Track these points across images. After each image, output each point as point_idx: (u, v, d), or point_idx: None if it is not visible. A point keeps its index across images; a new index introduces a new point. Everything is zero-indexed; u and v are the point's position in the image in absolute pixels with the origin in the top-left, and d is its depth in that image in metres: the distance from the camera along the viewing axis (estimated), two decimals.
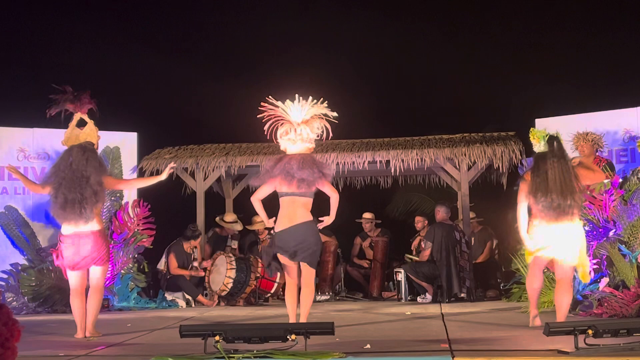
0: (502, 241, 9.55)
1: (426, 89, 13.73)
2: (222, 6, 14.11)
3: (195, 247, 9.38)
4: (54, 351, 4.86)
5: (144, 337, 5.67)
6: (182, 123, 12.61)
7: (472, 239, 9.51)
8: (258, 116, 5.92)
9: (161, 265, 9.28)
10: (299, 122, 5.87)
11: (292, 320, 5.72)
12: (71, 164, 5.77)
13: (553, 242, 5.58)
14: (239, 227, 9.87)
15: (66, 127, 6.18)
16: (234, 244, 9.82)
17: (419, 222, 9.94)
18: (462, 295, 8.59)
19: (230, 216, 9.96)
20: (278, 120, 5.92)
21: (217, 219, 9.89)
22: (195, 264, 9.21)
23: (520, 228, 5.74)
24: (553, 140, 5.68)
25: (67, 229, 5.76)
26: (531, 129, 5.83)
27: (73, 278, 5.80)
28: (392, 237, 10.24)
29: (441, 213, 9.05)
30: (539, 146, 5.70)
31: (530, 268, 5.85)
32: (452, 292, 8.55)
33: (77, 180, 5.70)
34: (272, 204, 6.06)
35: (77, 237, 5.71)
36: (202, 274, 9.04)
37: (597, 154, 7.94)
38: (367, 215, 10.39)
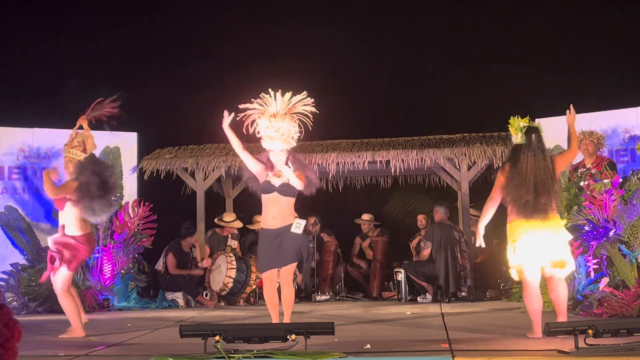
0: (502, 241, 9.53)
1: (426, 88, 13.71)
2: (219, 6, 14.11)
3: (194, 245, 9.36)
4: (54, 351, 4.86)
5: (144, 337, 5.67)
6: (182, 123, 12.60)
7: (472, 237, 9.51)
8: (237, 118, 5.81)
9: (159, 265, 9.27)
10: (277, 115, 5.70)
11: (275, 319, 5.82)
12: (95, 169, 6.04)
13: (534, 248, 5.17)
14: (238, 224, 9.86)
15: (67, 127, 6.30)
16: (234, 244, 9.81)
17: (422, 220, 9.96)
18: (463, 294, 8.60)
19: (229, 216, 9.95)
20: (254, 115, 5.79)
21: (216, 219, 9.88)
22: (199, 258, 9.23)
23: (480, 221, 5.44)
24: (532, 131, 5.28)
25: (85, 229, 6.00)
26: (511, 118, 5.40)
27: (70, 277, 5.97)
28: (392, 237, 10.25)
29: (440, 213, 9.07)
30: (516, 137, 5.30)
31: (525, 288, 5.33)
32: (450, 291, 8.56)
33: (105, 185, 6.04)
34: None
35: (91, 238, 6.14)
36: (201, 273, 9.04)
37: (599, 153, 7.95)
38: (366, 217, 10.38)
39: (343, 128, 10.66)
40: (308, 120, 5.80)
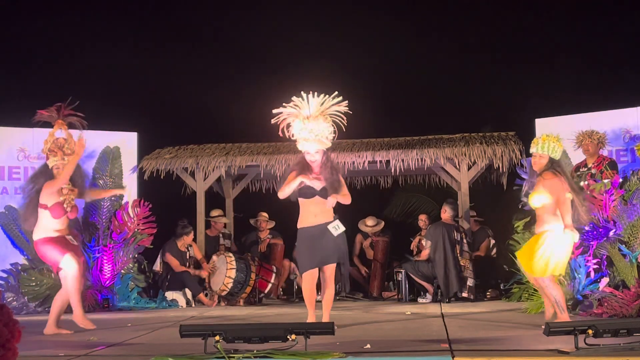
0: (501, 241, 9.54)
1: (426, 89, 13.72)
2: (223, 6, 14.12)
3: (190, 245, 9.33)
4: (54, 351, 4.86)
5: (144, 337, 5.67)
6: (182, 123, 12.61)
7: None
8: (272, 121, 5.94)
9: (157, 266, 9.25)
10: (310, 117, 5.83)
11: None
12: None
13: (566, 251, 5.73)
14: (224, 220, 9.88)
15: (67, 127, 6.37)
16: (228, 243, 9.80)
17: (422, 220, 9.95)
18: (464, 294, 8.59)
19: (215, 211, 9.96)
20: (288, 118, 5.92)
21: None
22: (198, 257, 9.20)
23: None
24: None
25: None
26: (543, 135, 5.97)
27: None
28: (392, 237, 10.23)
29: (447, 213, 9.01)
30: (557, 153, 5.84)
31: (552, 280, 5.82)
32: (449, 291, 8.56)
33: None
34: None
35: None
36: (205, 274, 9.01)
37: (600, 152, 7.94)
38: (370, 222, 10.28)
39: (343, 128, 10.64)
40: (342, 121, 5.94)
